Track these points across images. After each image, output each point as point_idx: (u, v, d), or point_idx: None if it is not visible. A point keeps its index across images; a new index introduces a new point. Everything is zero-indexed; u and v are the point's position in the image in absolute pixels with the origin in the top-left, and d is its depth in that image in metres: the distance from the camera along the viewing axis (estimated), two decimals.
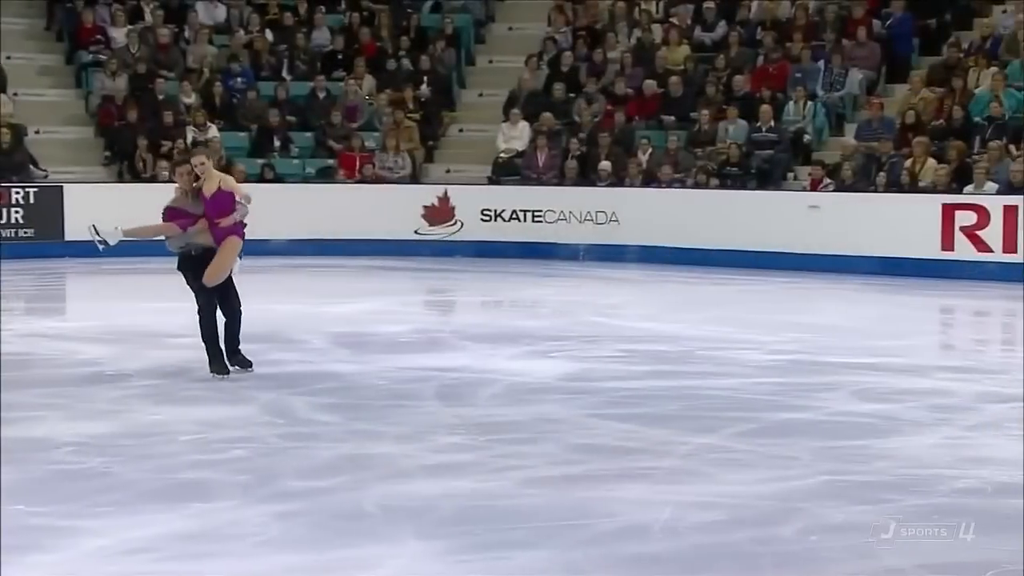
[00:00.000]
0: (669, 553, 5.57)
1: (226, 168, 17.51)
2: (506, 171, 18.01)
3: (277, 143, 18.25)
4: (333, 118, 18.41)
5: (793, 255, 15.71)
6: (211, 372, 8.87)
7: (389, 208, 17.41)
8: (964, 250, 15.09)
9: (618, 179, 17.23)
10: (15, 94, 18.67)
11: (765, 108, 17.13)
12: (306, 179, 18.08)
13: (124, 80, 18.67)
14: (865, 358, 10.10)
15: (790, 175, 17.06)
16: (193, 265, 8.77)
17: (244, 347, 9.79)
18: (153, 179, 17.51)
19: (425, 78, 19.12)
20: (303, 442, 7.42)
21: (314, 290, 13.33)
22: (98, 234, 8.88)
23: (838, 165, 16.25)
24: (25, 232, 16.91)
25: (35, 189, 17.11)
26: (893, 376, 9.35)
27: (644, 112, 18.18)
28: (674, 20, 19.18)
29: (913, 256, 15.31)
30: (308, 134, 18.62)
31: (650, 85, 18.12)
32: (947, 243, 15.20)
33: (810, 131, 17.30)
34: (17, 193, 16.94)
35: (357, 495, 6.35)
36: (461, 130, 19.30)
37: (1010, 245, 14.88)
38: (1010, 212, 14.90)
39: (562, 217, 17.13)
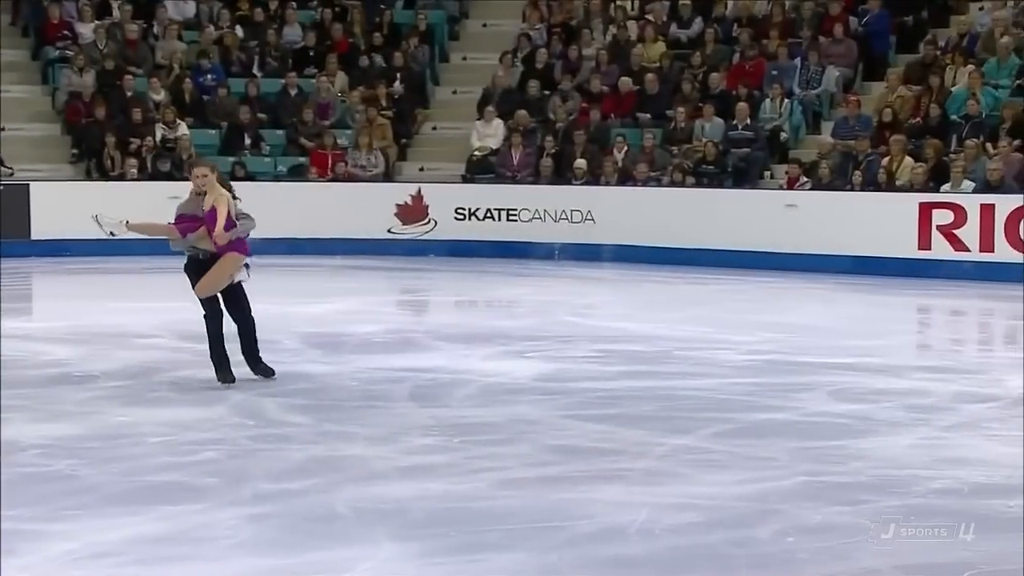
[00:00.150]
0: (645, 555, 5.58)
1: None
2: (480, 169, 18.02)
3: (248, 141, 18.19)
4: (305, 115, 18.36)
5: (770, 254, 15.77)
6: (217, 380, 8.68)
7: (362, 207, 17.38)
8: (941, 249, 15.18)
9: (594, 177, 17.26)
10: None
11: (741, 106, 17.19)
12: (277, 177, 18.03)
13: (92, 76, 18.58)
14: (842, 358, 10.14)
15: (767, 174, 17.13)
16: (198, 269, 8.63)
17: None
18: (121, 177, 17.44)
19: (398, 75, 19.10)
20: (274, 444, 7.40)
21: (286, 290, 13.28)
22: (102, 224, 8.78)
23: (815, 163, 16.32)
24: None
25: (0, 187, 17.00)
26: (870, 376, 9.39)
27: (620, 110, 18.21)
28: (650, 17, 19.22)
29: (890, 255, 15.39)
30: (279, 132, 18.57)
31: (626, 82, 18.15)
32: (924, 242, 15.28)
33: (787, 129, 17.37)
34: None
35: (329, 497, 6.34)
36: (435, 128, 19.29)
37: (987, 244, 14.98)
38: (987, 211, 14.99)
39: (537, 216, 17.14)
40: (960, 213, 15.13)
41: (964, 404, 8.52)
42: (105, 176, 17.64)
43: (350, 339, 10.90)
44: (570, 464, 6.99)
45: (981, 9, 18.01)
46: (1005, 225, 14.90)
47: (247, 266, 8.72)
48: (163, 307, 12.73)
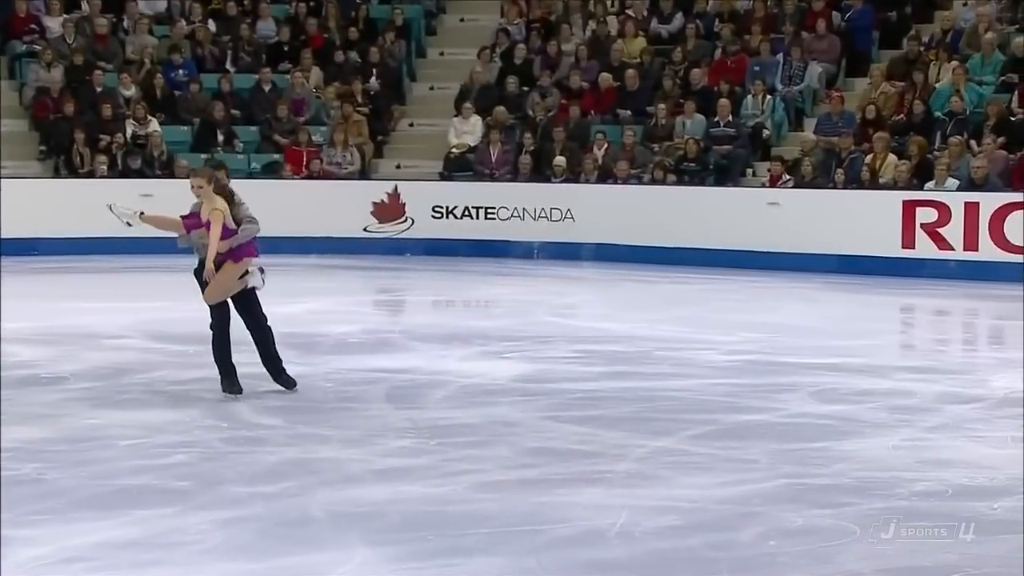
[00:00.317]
0: (625, 558, 5.59)
1: (168, 162, 17.50)
2: (458, 167, 18.01)
3: (221, 137, 18.14)
4: (279, 112, 18.32)
5: (752, 253, 15.81)
6: (223, 391, 8.51)
7: (337, 205, 17.35)
8: (925, 248, 15.24)
9: (573, 175, 17.27)
10: None
11: (723, 102, 17.23)
12: (251, 175, 17.97)
13: (60, 72, 18.50)
14: (824, 358, 10.18)
15: (749, 171, 17.16)
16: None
17: (184, 348, 9.76)
18: (91, 175, 17.37)
19: (374, 71, 19.07)
20: (247, 446, 7.39)
21: (259, 289, 13.23)
22: (117, 215, 8.68)
23: (797, 161, 16.36)
24: None
25: None
26: (853, 377, 9.43)
27: (599, 106, 18.23)
28: (630, 12, 19.24)
29: (873, 254, 15.45)
30: (253, 128, 18.52)
31: (606, 78, 18.17)
32: (908, 241, 15.34)
33: (769, 126, 17.41)
34: None
35: (303, 501, 6.33)
36: (411, 124, 19.27)
37: (971, 243, 15.04)
38: (971, 209, 15.06)
39: (516, 214, 17.15)
40: (944, 211, 15.19)
41: (948, 405, 8.56)
42: (74, 173, 17.56)
43: (325, 340, 10.89)
44: (549, 466, 7.00)
45: (965, 5, 18.09)
46: (989, 223, 14.96)
47: (262, 270, 8.51)
48: (134, 307, 12.69)
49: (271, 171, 18.12)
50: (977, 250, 15.00)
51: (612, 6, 19.67)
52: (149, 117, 17.95)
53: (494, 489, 6.56)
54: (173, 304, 12.75)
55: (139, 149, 17.64)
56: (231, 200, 8.40)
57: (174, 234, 8.65)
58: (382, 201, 17.50)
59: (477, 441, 7.52)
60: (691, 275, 15.33)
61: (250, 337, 8.63)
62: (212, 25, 19.66)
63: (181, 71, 18.82)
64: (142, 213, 8.65)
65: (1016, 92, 16.30)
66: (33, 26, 19.21)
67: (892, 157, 15.91)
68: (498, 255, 16.83)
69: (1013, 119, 16.05)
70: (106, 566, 5.46)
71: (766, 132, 17.37)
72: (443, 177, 18.04)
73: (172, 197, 8.80)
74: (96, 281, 15.32)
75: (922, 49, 17.34)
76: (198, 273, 8.51)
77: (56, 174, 17.82)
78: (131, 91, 18.44)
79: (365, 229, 17.50)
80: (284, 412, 8.17)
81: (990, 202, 15.03)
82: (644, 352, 10.43)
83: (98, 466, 6.93)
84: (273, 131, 18.31)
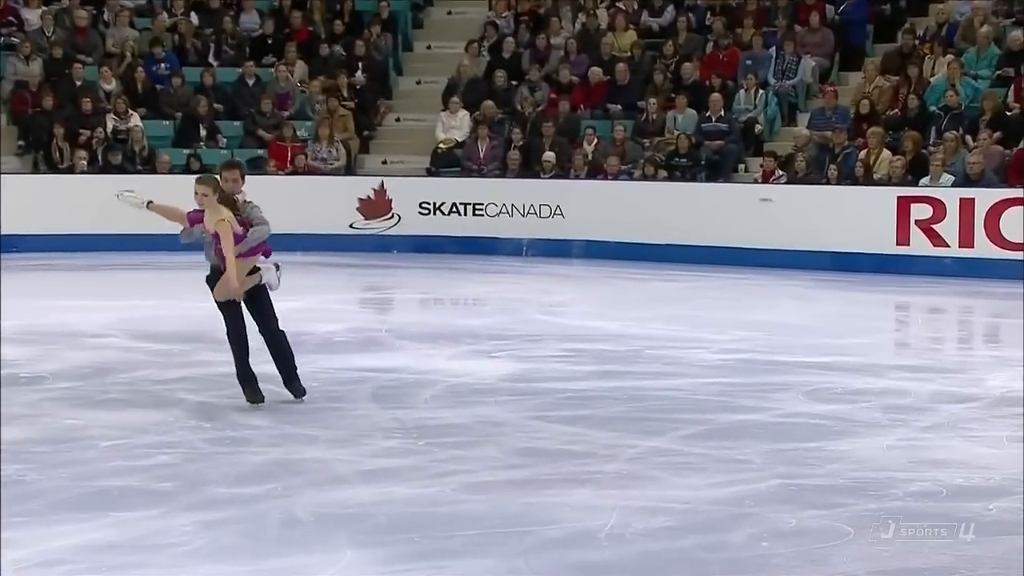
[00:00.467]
0: (616, 560, 5.60)
1: (150, 158, 17.46)
2: (445, 162, 18.01)
3: (203, 132, 18.12)
4: (263, 106, 18.30)
5: (744, 250, 15.84)
6: (246, 400, 8.27)
7: (322, 201, 17.34)
8: (920, 245, 15.28)
9: (563, 171, 17.29)
10: None
11: (715, 97, 17.25)
12: None
13: (39, 65, 18.45)
14: (818, 357, 10.20)
15: (741, 167, 17.20)
16: (218, 279, 8.45)
17: (167, 347, 9.74)
18: (70, 170, 17.34)
19: (360, 64, 19.06)
20: (231, 447, 7.39)
21: (274, 289, 13.21)
22: (125, 202, 8.58)
23: (790, 156, 16.40)
24: None
25: None
26: (847, 376, 9.45)
27: (589, 101, 18.25)
28: (620, 5, 19.26)
29: (868, 251, 15.49)
30: (236, 123, 18.51)
31: (596, 72, 18.19)
32: (902, 237, 15.38)
33: (761, 121, 17.45)
34: None
35: (288, 502, 6.33)
36: (398, 119, 19.27)
37: (967, 240, 15.09)
38: (967, 205, 15.11)
39: (504, 210, 17.15)
40: (939, 207, 15.23)
41: (943, 404, 8.58)
42: (53, 169, 17.52)
43: (310, 338, 10.87)
44: (538, 467, 7.00)
45: None
46: (985, 220, 15.01)
47: (277, 267, 8.37)
48: (115, 305, 12.67)
49: (255, 167, 18.05)
50: (973, 247, 15.05)
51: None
52: (130, 111, 17.92)
53: (482, 490, 6.56)
54: (156, 302, 12.77)
55: (120, 144, 17.61)
56: (235, 206, 8.25)
57: (178, 227, 8.56)
58: (368, 197, 17.50)
59: (465, 441, 7.52)
60: (683, 272, 15.35)
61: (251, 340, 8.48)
62: (194, 18, 19.63)
63: (163, 65, 18.78)
64: (151, 202, 8.56)
65: (1012, 86, 16.36)
66: (11, 18, 19.16)
67: (886, 153, 15.95)
68: (486, 252, 16.85)
69: (1009, 114, 16.10)
70: (87, 569, 5.45)
71: (758, 127, 17.40)
72: (430, 173, 18.04)
73: (153, 193, 8.75)
74: (77, 278, 15.29)
75: (917, 43, 17.39)
76: (210, 280, 8.39)
77: (35, 169, 17.77)
78: (112, 85, 18.40)
79: (351, 226, 17.50)
80: (269, 412, 8.16)
81: (986, 198, 15.08)
82: (635, 351, 10.45)
83: (79, 467, 6.92)
84: (257, 126, 18.30)
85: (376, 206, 17.49)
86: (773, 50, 17.95)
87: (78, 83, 18.28)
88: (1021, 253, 14.71)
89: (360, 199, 17.49)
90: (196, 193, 8.16)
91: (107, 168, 17.33)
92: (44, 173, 17.53)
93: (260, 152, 18.13)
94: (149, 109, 18.37)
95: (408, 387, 9.00)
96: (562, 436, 7.69)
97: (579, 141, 17.52)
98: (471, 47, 19.09)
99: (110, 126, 17.80)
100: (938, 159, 15.50)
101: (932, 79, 16.79)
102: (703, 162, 17.05)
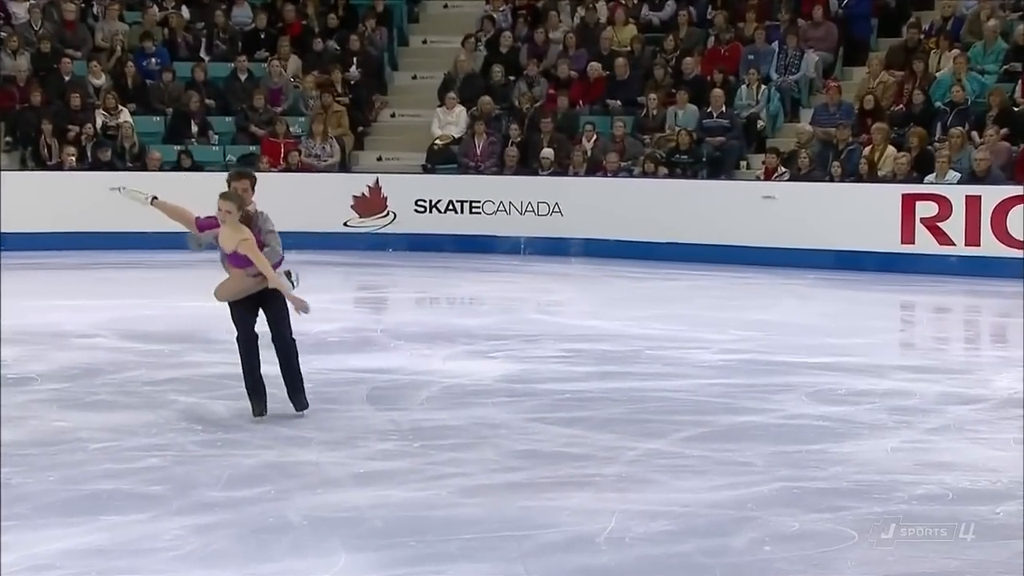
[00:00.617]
0: (615, 565, 5.60)
1: (140, 154, 17.46)
2: (442, 159, 18.01)
3: (195, 128, 18.13)
4: (255, 102, 18.31)
5: (746, 248, 15.85)
6: (252, 414, 8.09)
7: (316, 199, 17.33)
8: (925, 243, 15.29)
9: (561, 168, 17.29)
10: None
11: (716, 92, 17.26)
12: (226, 167, 17.94)
13: (26, 59, 18.46)
14: (821, 357, 10.21)
15: (743, 164, 17.21)
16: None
17: (157, 347, 9.73)
18: (59, 166, 17.33)
19: (355, 59, 19.06)
20: (223, 449, 7.39)
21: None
22: (127, 196, 8.49)
23: (793, 153, 16.41)
24: None
25: None
26: (850, 376, 9.46)
27: (588, 96, 18.25)
28: None
29: (872, 249, 15.50)
30: (228, 119, 18.50)
31: (595, 67, 18.19)
32: (907, 236, 15.39)
33: (764, 117, 17.46)
34: None
35: (282, 506, 6.33)
36: (393, 115, 19.28)
37: (973, 238, 15.10)
38: (973, 203, 15.12)
39: (501, 208, 17.16)
40: (945, 205, 15.24)
41: (949, 406, 8.59)
42: (42, 166, 17.52)
43: (304, 338, 10.79)
44: (536, 470, 7.01)
45: None
46: (992, 218, 15.02)
47: (289, 274, 8.28)
48: (104, 304, 12.67)
49: (248, 164, 18.08)
50: (979, 245, 15.06)
51: None
52: (120, 107, 17.92)
53: (479, 493, 6.57)
54: (145, 302, 12.77)
55: (109, 140, 17.61)
56: (251, 222, 8.15)
57: (179, 226, 8.41)
58: (363, 195, 17.50)
59: (462, 444, 7.53)
60: (683, 271, 15.36)
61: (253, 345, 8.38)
62: (186, 11, 19.64)
63: (153, 59, 18.79)
64: (155, 198, 8.43)
65: (1019, 81, 16.37)
66: None
67: (891, 149, 15.96)
68: (483, 251, 16.85)
69: (1016, 109, 16.11)
70: (76, 574, 5.45)
71: (761, 123, 17.41)
72: (426, 170, 18.04)
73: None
74: (65, 278, 15.29)
75: (922, 37, 17.40)
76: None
77: (23, 166, 17.77)
78: (101, 80, 18.40)
79: (345, 224, 17.50)
80: None
81: (992, 195, 15.09)
82: (634, 351, 10.46)
83: (67, 470, 6.92)
84: (249, 122, 18.30)
85: (371, 204, 17.49)
86: (776, 45, 17.95)
87: (66, 78, 18.28)
88: None
89: (355, 196, 17.50)
90: (220, 209, 7.91)
91: (96, 165, 17.33)
92: (32, 170, 17.53)
93: (253, 149, 18.14)
94: (139, 104, 18.38)
95: (404, 388, 9.01)
96: (560, 438, 7.69)
97: (578, 137, 17.53)
98: (468, 41, 19.10)
99: (99, 122, 17.80)
100: (944, 156, 15.50)
101: (938, 74, 16.80)
102: (704, 159, 17.06)
